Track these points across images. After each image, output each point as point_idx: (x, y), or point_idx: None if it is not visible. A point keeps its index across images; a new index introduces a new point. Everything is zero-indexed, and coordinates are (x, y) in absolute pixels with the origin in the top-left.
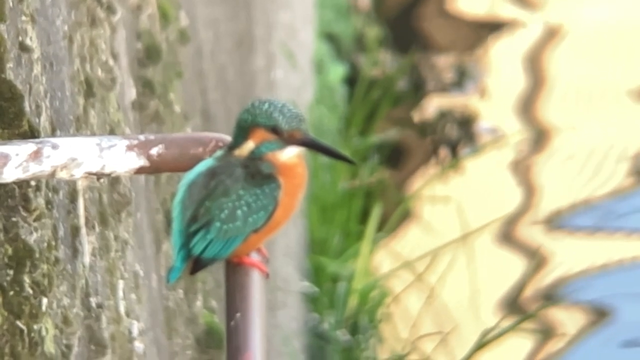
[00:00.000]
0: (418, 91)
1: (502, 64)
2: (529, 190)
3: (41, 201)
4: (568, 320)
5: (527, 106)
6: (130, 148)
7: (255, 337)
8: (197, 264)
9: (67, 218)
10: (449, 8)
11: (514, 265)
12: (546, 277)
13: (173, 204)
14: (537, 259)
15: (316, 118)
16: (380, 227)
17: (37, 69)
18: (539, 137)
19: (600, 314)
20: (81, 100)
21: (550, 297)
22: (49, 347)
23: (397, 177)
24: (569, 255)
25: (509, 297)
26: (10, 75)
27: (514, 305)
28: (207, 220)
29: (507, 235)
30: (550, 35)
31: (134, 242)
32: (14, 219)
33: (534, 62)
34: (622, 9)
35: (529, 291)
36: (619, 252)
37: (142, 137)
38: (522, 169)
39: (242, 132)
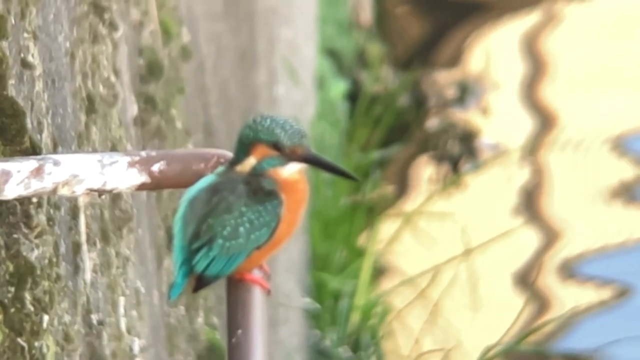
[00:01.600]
0: (420, 107)
1: (501, 51)
2: (538, 176)
3: (42, 218)
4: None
5: (530, 93)
6: (131, 164)
7: (256, 354)
8: (200, 282)
9: (69, 234)
10: None
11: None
12: (560, 253)
13: (174, 219)
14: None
15: (318, 134)
16: (382, 243)
17: (39, 85)
18: (544, 124)
19: (618, 292)
20: (83, 117)
21: (564, 272)
22: None
23: (398, 193)
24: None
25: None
26: (12, 92)
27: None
28: (210, 237)
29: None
30: (549, 19)
31: (135, 258)
32: (15, 236)
33: (533, 47)
34: None
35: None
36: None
37: (143, 154)
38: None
39: (244, 147)
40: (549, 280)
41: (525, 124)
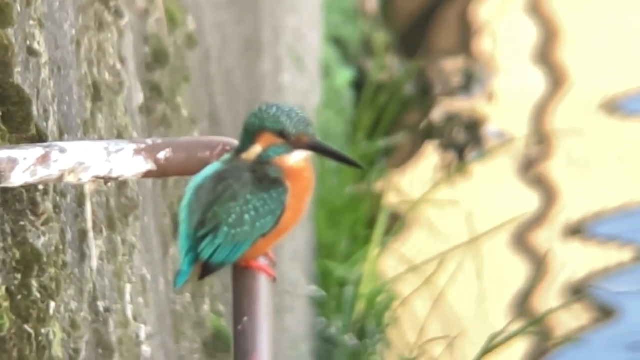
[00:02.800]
0: (425, 95)
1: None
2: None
3: (49, 205)
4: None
5: (544, 55)
6: (137, 152)
7: (262, 341)
8: (205, 270)
9: (75, 222)
10: None
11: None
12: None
13: (180, 207)
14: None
15: (323, 122)
16: (388, 231)
17: (44, 73)
18: (556, 83)
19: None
20: (89, 104)
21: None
22: (57, 351)
23: (404, 181)
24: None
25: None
26: (18, 79)
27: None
28: (215, 224)
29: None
30: None
31: (141, 245)
32: (22, 223)
33: (539, 11)
34: None
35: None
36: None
37: (149, 141)
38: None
39: (250, 136)
40: (553, 244)
41: (535, 85)
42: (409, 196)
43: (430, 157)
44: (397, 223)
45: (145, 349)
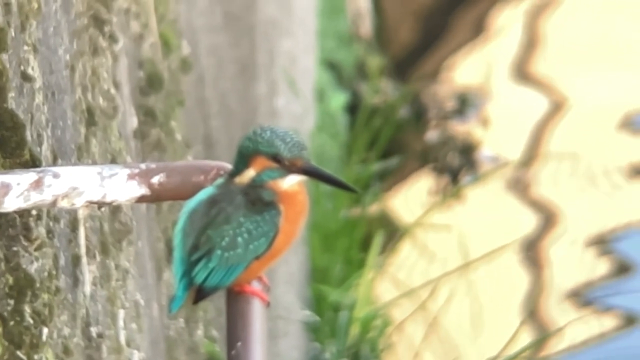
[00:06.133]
0: (419, 119)
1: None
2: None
3: (42, 230)
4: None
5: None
6: (131, 177)
7: None
8: (199, 294)
9: (68, 247)
10: None
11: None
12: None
13: (174, 232)
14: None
15: (318, 146)
16: (382, 255)
17: (38, 98)
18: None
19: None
20: (83, 129)
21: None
22: None
23: (398, 205)
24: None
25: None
26: (12, 104)
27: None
28: (209, 248)
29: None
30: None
31: (135, 271)
32: (15, 249)
33: (532, 26)
34: None
35: None
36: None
37: (143, 166)
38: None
39: (244, 159)
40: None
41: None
42: (403, 220)
43: (425, 180)
44: (391, 247)
45: None
